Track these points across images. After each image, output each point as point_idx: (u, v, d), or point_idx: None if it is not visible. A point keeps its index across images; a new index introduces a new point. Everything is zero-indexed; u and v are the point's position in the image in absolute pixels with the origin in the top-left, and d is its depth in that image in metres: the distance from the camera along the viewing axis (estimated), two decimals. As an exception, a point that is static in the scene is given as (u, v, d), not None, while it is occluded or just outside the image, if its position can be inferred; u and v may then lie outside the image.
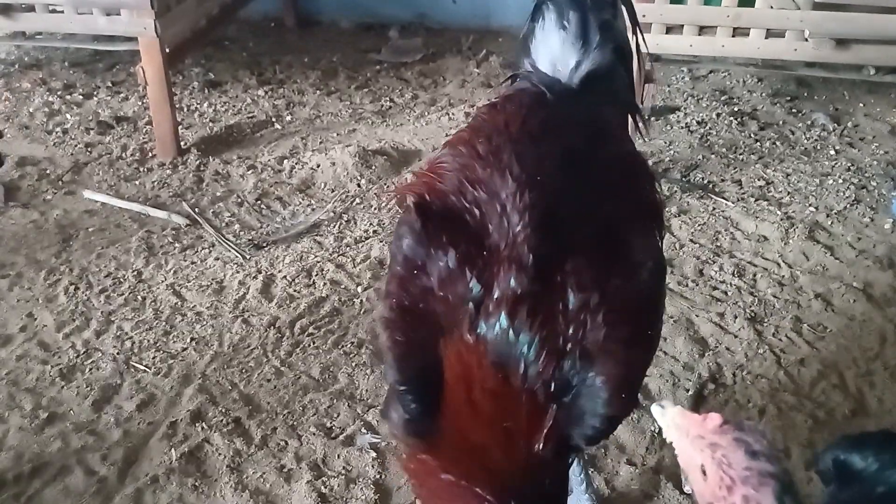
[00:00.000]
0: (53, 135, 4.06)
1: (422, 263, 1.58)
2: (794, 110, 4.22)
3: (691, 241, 3.22)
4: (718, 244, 3.21)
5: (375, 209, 3.46)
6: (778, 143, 3.92)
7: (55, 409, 2.50)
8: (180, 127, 4.03)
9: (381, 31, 5.35)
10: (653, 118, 4.13)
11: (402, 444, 1.62)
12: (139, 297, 2.97)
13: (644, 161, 1.97)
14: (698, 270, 3.06)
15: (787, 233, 3.25)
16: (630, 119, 2.16)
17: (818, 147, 3.89)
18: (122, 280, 3.06)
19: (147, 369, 2.65)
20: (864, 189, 3.55)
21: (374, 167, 3.72)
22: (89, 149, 3.94)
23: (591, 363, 1.49)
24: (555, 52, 1.91)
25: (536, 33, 1.95)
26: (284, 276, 3.07)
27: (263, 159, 3.87)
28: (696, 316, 2.83)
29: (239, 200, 3.55)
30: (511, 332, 1.48)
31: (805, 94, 4.37)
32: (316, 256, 3.18)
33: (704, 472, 1.18)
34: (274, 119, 4.28)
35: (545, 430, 1.47)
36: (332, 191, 3.61)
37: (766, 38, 3.46)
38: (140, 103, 4.31)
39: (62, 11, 3.77)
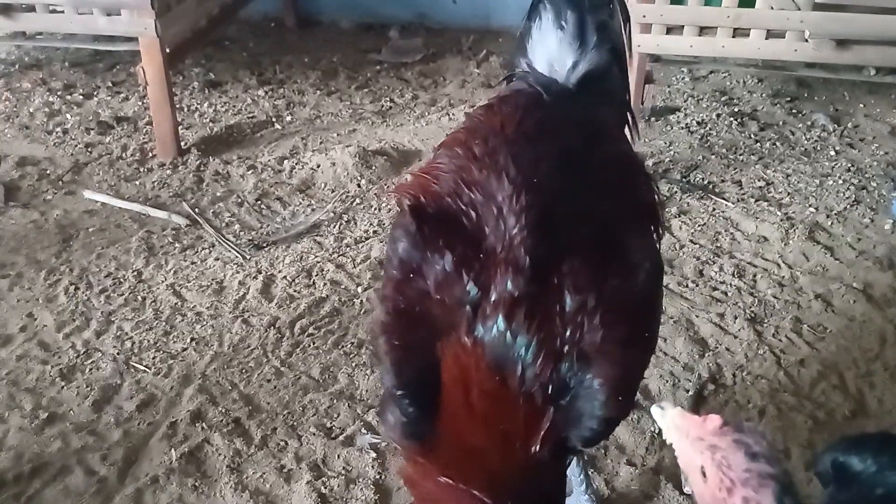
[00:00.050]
0: (54, 135, 4.06)
1: (418, 267, 1.57)
2: (794, 111, 4.22)
3: (691, 241, 3.22)
4: (718, 245, 3.21)
5: (375, 209, 3.46)
6: (778, 143, 3.92)
7: (55, 410, 2.50)
8: (180, 127, 4.03)
9: (381, 31, 5.35)
10: (653, 119, 4.13)
11: (399, 446, 1.62)
12: (139, 297, 2.97)
13: (641, 161, 1.96)
14: (698, 271, 3.06)
15: (788, 233, 3.25)
16: (625, 120, 2.16)
17: (818, 148, 3.89)
18: (122, 280, 3.06)
19: (147, 369, 2.65)
20: (865, 190, 3.55)
21: (374, 167, 3.72)
22: (89, 149, 3.94)
23: (588, 365, 1.48)
24: (552, 52, 1.90)
25: (533, 33, 1.95)
26: (284, 277, 3.07)
27: (263, 159, 3.87)
28: (696, 316, 2.83)
29: (239, 200, 3.55)
30: (508, 334, 1.48)
31: (805, 95, 4.38)
32: (316, 257, 3.19)
33: (704, 474, 1.18)
34: (274, 119, 4.28)
35: (543, 433, 1.47)
36: (333, 191, 3.61)
37: (767, 38, 3.46)
38: (140, 103, 4.31)
39: (62, 11, 3.76)
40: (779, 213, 3.38)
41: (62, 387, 2.58)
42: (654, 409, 1.31)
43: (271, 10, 5.46)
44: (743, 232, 3.28)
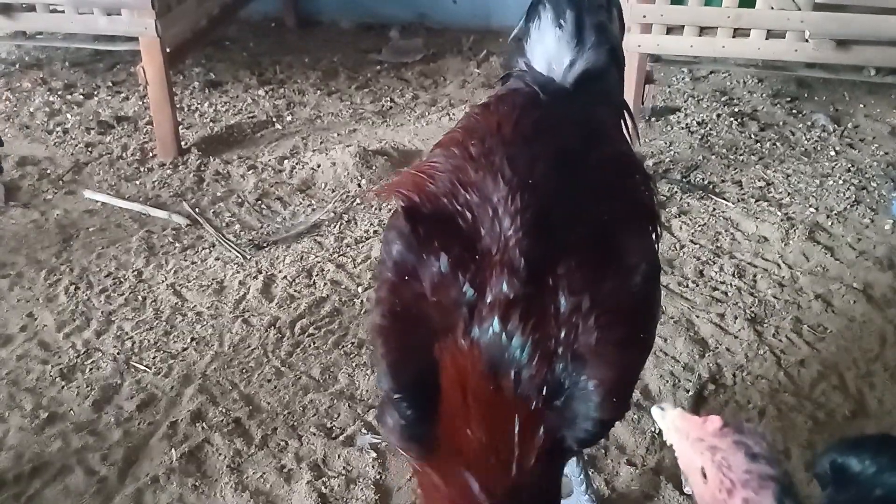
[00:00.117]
0: (54, 134, 4.06)
1: (413, 269, 1.56)
2: (794, 111, 4.22)
3: (691, 241, 3.22)
4: (719, 245, 3.21)
5: (376, 209, 3.46)
6: (778, 143, 3.92)
7: (55, 409, 2.50)
8: (181, 127, 4.03)
9: (381, 31, 5.35)
10: (653, 119, 4.13)
11: (398, 448, 1.62)
12: (139, 296, 2.98)
13: (639, 161, 1.96)
14: (698, 271, 3.06)
15: (788, 233, 3.25)
16: (624, 120, 2.16)
17: (818, 148, 3.89)
18: (122, 280, 3.06)
19: (147, 369, 2.65)
20: (865, 190, 3.55)
21: (374, 167, 3.72)
22: (90, 148, 3.94)
23: (583, 366, 1.48)
24: (550, 51, 1.90)
25: (532, 33, 1.94)
26: (285, 277, 3.07)
27: (264, 159, 3.87)
28: (697, 317, 2.83)
29: (239, 200, 3.55)
30: (504, 336, 1.48)
31: (805, 95, 4.38)
32: (316, 256, 3.19)
33: (705, 475, 1.18)
34: (274, 119, 4.28)
35: (539, 434, 1.48)
36: (333, 191, 3.61)
37: (767, 38, 3.46)
38: (140, 103, 4.31)
39: (63, 11, 3.77)
40: (779, 213, 3.38)
41: (62, 386, 2.58)
42: (655, 410, 1.31)
43: (271, 11, 5.46)
44: (743, 232, 3.28)
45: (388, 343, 1.59)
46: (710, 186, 3.59)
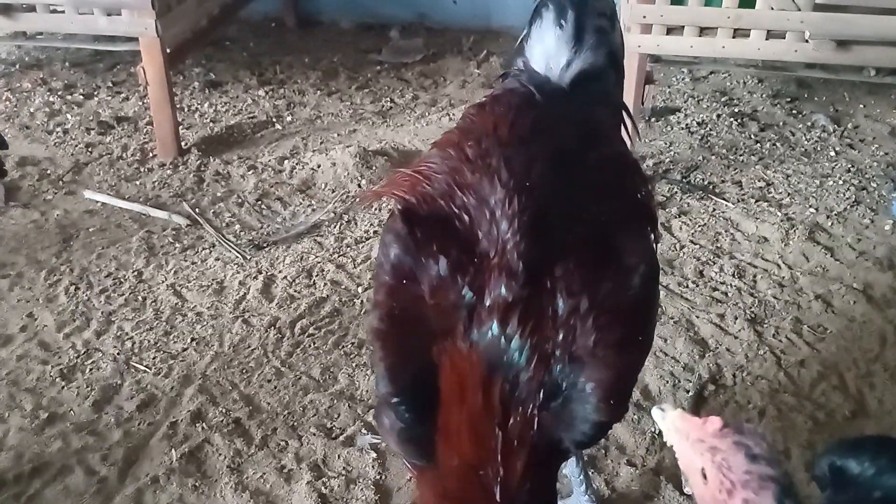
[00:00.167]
0: (54, 135, 4.06)
1: (411, 272, 1.56)
2: (794, 111, 4.22)
3: (691, 242, 3.22)
4: (719, 245, 3.21)
5: (376, 209, 3.46)
6: (778, 144, 3.92)
7: (55, 410, 2.50)
8: (181, 127, 4.03)
9: (381, 31, 5.35)
10: (653, 119, 4.13)
11: (396, 450, 1.62)
12: (139, 297, 2.98)
13: (636, 161, 1.96)
14: (698, 271, 3.06)
15: (788, 234, 3.25)
16: (623, 122, 2.15)
17: (818, 148, 3.89)
18: (122, 280, 3.06)
19: (147, 369, 2.65)
20: (865, 190, 3.55)
21: (374, 168, 3.72)
22: (90, 149, 3.94)
23: (581, 368, 1.48)
24: (549, 50, 1.89)
25: (533, 32, 1.95)
26: (285, 277, 3.07)
27: (264, 159, 3.87)
28: (697, 317, 2.83)
29: (239, 201, 3.55)
30: (503, 339, 1.48)
31: (805, 96, 4.38)
32: (316, 257, 3.19)
33: (705, 476, 1.18)
34: (274, 119, 4.28)
35: (536, 437, 1.48)
36: (333, 191, 3.61)
37: (767, 39, 3.46)
38: (141, 103, 4.31)
39: (63, 11, 3.76)
40: (779, 213, 3.38)
41: (62, 387, 2.58)
42: (655, 411, 1.31)
43: (272, 11, 5.46)
44: (743, 232, 3.28)
45: (387, 346, 1.59)
46: (710, 187, 3.59)
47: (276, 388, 2.58)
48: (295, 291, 3.00)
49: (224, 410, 2.49)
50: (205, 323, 2.85)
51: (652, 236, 1.79)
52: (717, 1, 3.50)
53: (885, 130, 4.04)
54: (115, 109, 4.32)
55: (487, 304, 1.50)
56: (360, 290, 2.99)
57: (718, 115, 4.16)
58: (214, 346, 2.75)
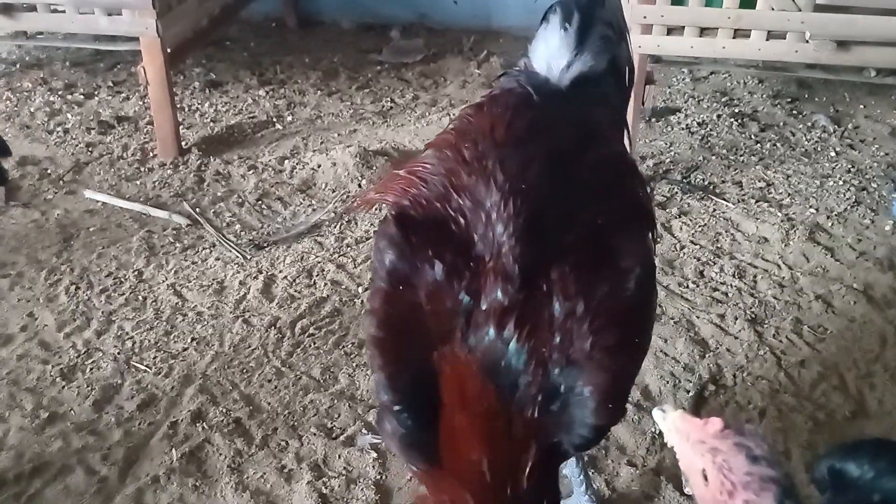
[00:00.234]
0: (54, 134, 4.06)
1: (407, 277, 1.56)
2: (794, 112, 4.22)
3: (692, 242, 3.22)
4: (719, 245, 3.21)
5: (376, 209, 3.46)
6: (778, 144, 3.92)
7: (56, 409, 2.50)
8: (181, 127, 4.03)
9: (382, 31, 5.35)
10: (653, 119, 4.13)
11: (399, 455, 1.62)
12: (140, 296, 2.98)
13: (634, 162, 1.96)
14: (699, 272, 3.06)
15: (788, 234, 3.25)
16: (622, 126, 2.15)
17: (819, 149, 3.89)
18: (122, 280, 3.06)
19: (148, 369, 2.65)
20: (865, 191, 3.55)
21: (374, 168, 3.72)
22: (90, 148, 3.94)
23: (579, 372, 1.48)
24: (551, 51, 1.89)
25: (539, 33, 1.95)
26: (285, 277, 3.07)
27: (264, 159, 3.87)
28: (697, 317, 2.83)
29: (240, 200, 3.55)
30: (500, 343, 1.48)
31: (806, 96, 4.37)
32: (317, 257, 3.19)
33: (706, 477, 1.18)
34: (275, 119, 4.28)
35: (535, 440, 1.48)
36: (333, 191, 3.61)
37: (767, 39, 3.46)
38: (141, 103, 4.31)
39: (63, 11, 3.76)
40: (779, 213, 3.38)
41: (63, 386, 2.58)
42: (656, 412, 1.31)
43: (272, 11, 5.46)
44: (743, 233, 3.28)
45: (385, 354, 1.58)
46: (711, 187, 3.59)
47: (276, 387, 2.58)
48: (295, 291, 3.00)
49: (224, 410, 2.49)
50: (205, 323, 2.85)
51: (650, 237, 1.78)
52: (718, 1, 3.50)
53: (886, 131, 4.04)
54: (116, 109, 4.32)
55: (484, 308, 1.50)
56: (360, 290, 2.99)
57: (719, 116, 4.16)
58: (215, 345, 2.75)
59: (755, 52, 3.54)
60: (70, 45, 4.48)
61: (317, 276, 3.08)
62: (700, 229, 3.30)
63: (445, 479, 1.51)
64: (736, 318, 2.82)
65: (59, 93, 4.45)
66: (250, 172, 3.76)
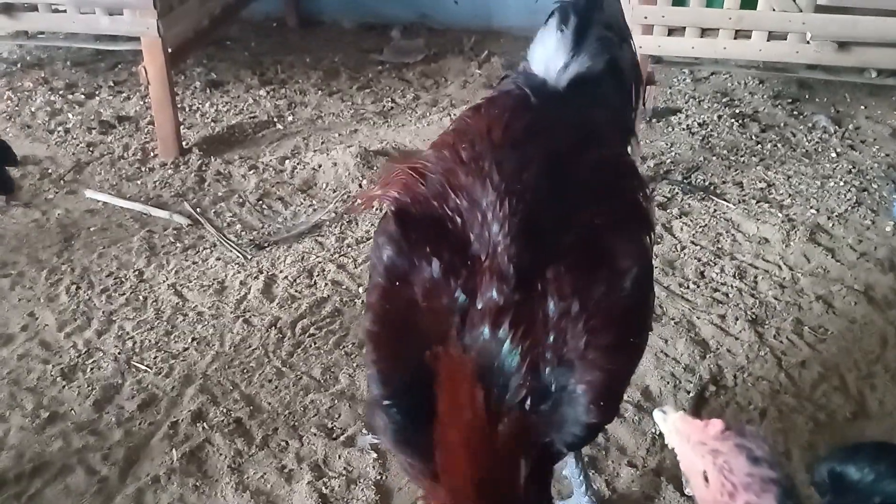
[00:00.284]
0: (55, 134, 4.06)
1: (404, 274, 1.57)
2: (795, 112, 4.22)
3: (692, 242, 3.22)
4: (719, 246, 3.21)
5: (377, 209, 3.46)
6: (779, 145, 3.92)
7: (56, 409, 2.50)
8: (182, 127, 4.03)
9: (382, 31, 5.35)
10: (654, 120, 4.13)
11: (391, 451, 1.62)
12: (140, 296, 2.98)
13: (632, 163, 1.96)
14: (699, 272, 3.06)
15: (789, 235, 3.25)
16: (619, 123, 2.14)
17: (819, 149, 3.89)
18: (123, 280, 3.06)
19: (148, 369, 2.65)
20: (866, 191, 3.55)
21: (375, 168, 3.72)
22: (91, 148, 3.94)
23: (572, 371, 1.49)
24: (549, 52, 1.91)
25: (538, 34, 1.96)
26: (286, 277, 3.07)
27: (265, 159, 3.87)
28: (697, 318, 2.83)
29: (240, 200, 3.55)
30: (495, 343, 1.48)
31: (806, 97, 4.37)
32: (317, 257, 3.19)
33: (706, 479, 1.18)
34: (276, 119, 4.28)
35: (528, 439, 1.48)
36: (334, 191, 3.61)
37: (768, 40, 3.46)
38: (142, 103, 4.31)
39: (64, 11, 3.77)
40: (780, 214, 3.38)
41: (63, 386, 2.58)
42: (657, 414, 1.32)
43: (273, 10, 5.46)
44: (744, 233, 3.28)
45: (379, 349, 1.59)
46: (711, 188, 3.59)
47: (276, 388, 2.58)
48: (296, 291, 3.00)
49: (225, 410, 2.49)
50: (206, 323, 2.85)
51: (647, 238, 1.78)
52: (719, 2, 3.50)
53: (887, 132, 4.04)
54: (117, 109, 4.32)
55: (479, 307, 1.50)
56: (360, 290, 2.99)
57: (719, 116, 4.16)
58: (215, 345, 2.75)
59: (756, 53, 3.55)
60: (71, 45, 4.48)
61: (317, 276, 3.08)
62: (701, 230, 3.30)
63: (439, 479, 1.51)
64: (737, 319, 2.82)
65: (60, 92, 4.45)
66: (251, 172, 3.76)
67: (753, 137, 3.98)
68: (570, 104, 1.87)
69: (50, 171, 3.75)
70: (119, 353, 2.71)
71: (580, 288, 1.52)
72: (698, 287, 2.99)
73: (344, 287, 3.02)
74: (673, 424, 1.27)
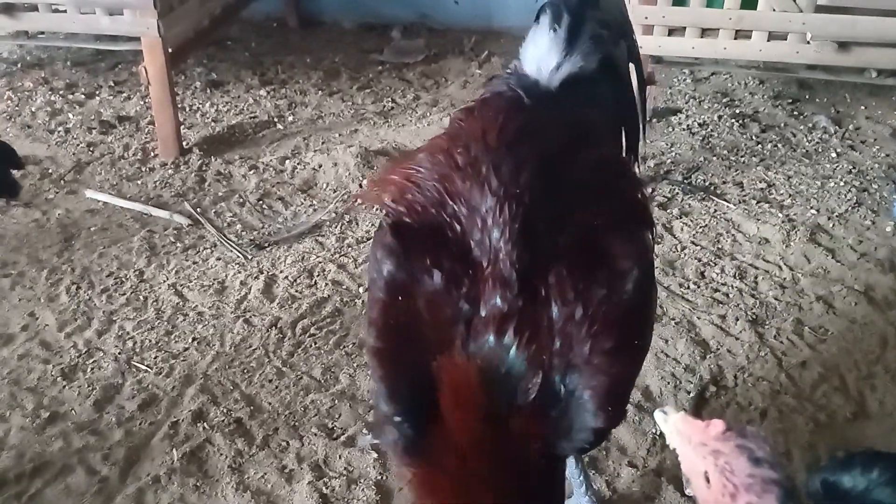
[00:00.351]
0: (55, 134, 4.06)
1: (405, 287, 1.55)
2: (795, 113, 4.22)
3: (693, 243, 3.22)
4: (720, 246, 3.21)
5: (377, 209, 3.46)
6: (779, 145, 3.92)
7: (57, 409, 2.50)
8: (182, 127, 4.03)
9: (383, 31, 5.35)
10: (654, 120, 4.13)
11: (399, 462, 1.61)
12: (141, 296, 2.98)
13: (628, 162, 1.95)
14: (700, 273, 3.06)
15: (789, 235, 3.25)
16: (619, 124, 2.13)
17: (819, 149, 3.89)
18: (123, 280, 3.06)
19: (149, 369, 2.65)
20: (866, 192, 3.55)
21: (375, 168, 3.72)
22: (91, 148, 3.94)
23: (578, 376, 1.48)
24: (541, 52, 1.89)
25: (529, 34, 1.94)
26: (286, 277, 3.07)
27: (265, 159, 3.87)
28: (698, 318, 2.83)
29: (241, 200, 3.55)
30: (500, 350, 1.47)
31: (807, 97, 4.37)
32: (317, 257, 3.19)
33: (708, 479, 1.18)
34: (276, 119, 4.28)
35: (536, 446, 1.48)
36: (334, 191, 3.61)
37: (768, 40, 3.46)
38: (142, 103, 4.31)
39: (65, 11, 3.77)
40: (780, 214, 3.38)
41: (64, 386, 2.58)
42: (657, 414, 1.31)
43: (273, 11, 5.46)
44: (744, 233, 3.28)
45: (384, 366, 1.57)
46: (712, 188, 3.59)
47: (277, 388, 2.58)
48: (296, 291, 3.00)
49: (225, 410, 2.49)
50: (206, 323, 2.85)
51: (647, 238, 1.77)
52: (719, 2, 3.51)
53: (887, 132, 4.04)
54: (117, 109, 4.32)
55: (483, 315, 1.49)
56: (361, 290, 2.99)
57: (720, 117, 4.16)
58: (216, 345, 2.75)
59: (756, 53, 3.55)
60: (71, 45, 4.48)
61: (318, 276, 3.08)
62: (701, 230, 3.30)
63: (446, 486, 1.51)
64: (737, 319, 2.82)
65: (61, 92, 4.45)
66: (251, 172, 3.76)
67: (754, 138, 3.98)
68: (563, 104, 1.85)
69: (50, 171, 3.75)
70: (119, 353, 2.71)
71: (583, 291, 1.51)
72: (699, 287, 2.99)
73: (344, 287, 3.02)
74: (674, 425, 1.27)
